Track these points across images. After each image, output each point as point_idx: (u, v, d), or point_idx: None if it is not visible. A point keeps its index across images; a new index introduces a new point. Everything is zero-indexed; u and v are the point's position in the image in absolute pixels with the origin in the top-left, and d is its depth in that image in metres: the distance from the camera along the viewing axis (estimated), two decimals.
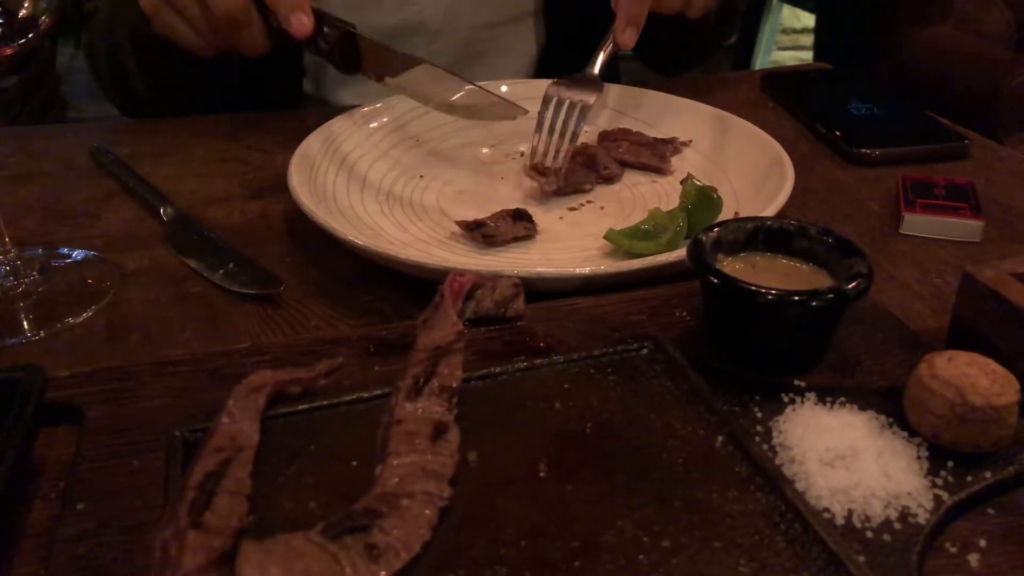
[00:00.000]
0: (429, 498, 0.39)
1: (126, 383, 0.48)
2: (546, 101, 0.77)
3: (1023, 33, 1.86)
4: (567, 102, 0.77)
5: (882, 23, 1.97)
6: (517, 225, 0.65)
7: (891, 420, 0.44)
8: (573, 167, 0.76)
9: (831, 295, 0.46)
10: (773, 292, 0.46)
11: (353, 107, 0.82)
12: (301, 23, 0.73)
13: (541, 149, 0.75)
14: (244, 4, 0.73)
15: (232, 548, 0.36)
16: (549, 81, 0.81)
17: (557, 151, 0.75)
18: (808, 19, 3.37)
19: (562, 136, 0.75)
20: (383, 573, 0.35)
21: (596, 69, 0.81)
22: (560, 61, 1.06)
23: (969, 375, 0.42)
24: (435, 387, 0.44)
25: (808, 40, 3.36)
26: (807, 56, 3.29)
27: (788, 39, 3.63)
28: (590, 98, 0.77)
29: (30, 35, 0.54)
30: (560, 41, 1.07)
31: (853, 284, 0.46)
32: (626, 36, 0.79)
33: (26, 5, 0.54)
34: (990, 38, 1.85)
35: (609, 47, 0.82)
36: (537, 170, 0.73)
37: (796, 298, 0.46)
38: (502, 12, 1.02)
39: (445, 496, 0.39)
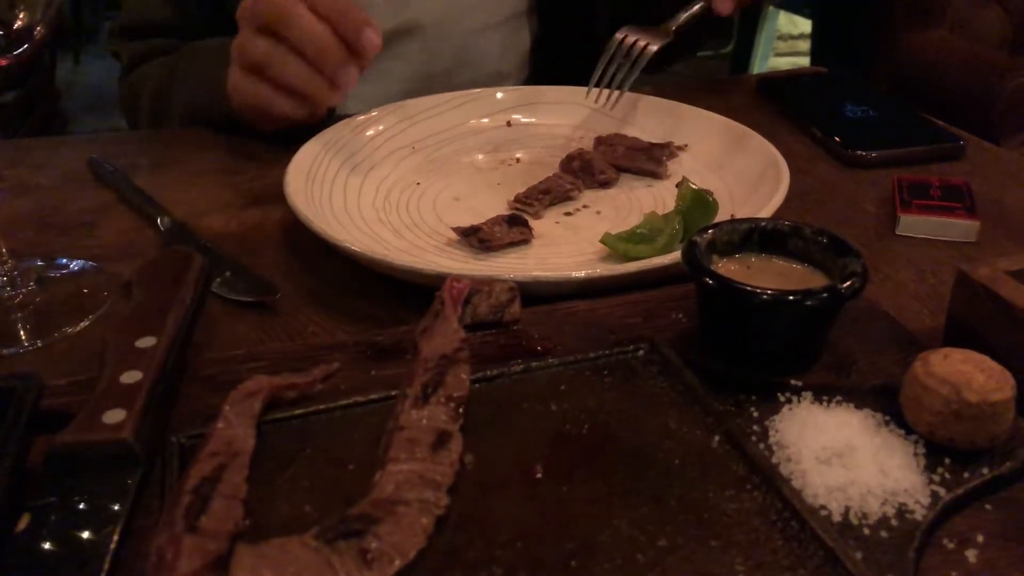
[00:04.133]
0: (425, 506, 0.39)
1: None
2: (610, 45, 0.82)
3: (1018, 37, 1.87)
4: (632, 43, 0.81)
5: (879, 28, 1.98)
6: (513, 230, 0.65)
7: (887, 418, 0.44)
8: (560, 173, 0.76)
9: (825, 294, 0.46)
10: (768, 292, 0.46)
11: (350, 115, 0.83)
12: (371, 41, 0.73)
13: (601, 85, 0.83)
14: (331, 38, 0.72)
15: (228, 552, 0.36)
16: (540, 87, 0.82)
17: (614, 90, 0.82)
18: (805, 25, 3.38)
19: (615, 79, 0.82)
20: None
21: (673, 22, 0.84)
22: (553, 56, 1.06)
23: (964, 372, 0.42)
24: (442, 397, 0.44)
25: (805, 46, 3.37)
26: (804, 62, 3.29)
27: (785, 45, 3.64)
28: (655, 44, 0.81)
29: (25, 45, 0.54)
30: (553, 36, 1.07)
31: (847, 283, 0.46)
32: (723, 2, 0.81)
33: (21, 16, 0.54)
34: (986, 42, 1.86)
35: (697, 5, 0.84)
36: (519, 200, 0.72)
37: (791, 298, 0.46)
38: (497, 13, 1.02)
39: (442, 505, 0.39)
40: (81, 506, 0.39)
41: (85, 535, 0.38)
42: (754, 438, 0.43)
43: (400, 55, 0.98)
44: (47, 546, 0.37)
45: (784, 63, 3.52)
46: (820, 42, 2.37)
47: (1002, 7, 1.88)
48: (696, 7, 0.83)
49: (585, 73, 0.89)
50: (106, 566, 0.36)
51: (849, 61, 2.05)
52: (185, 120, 0.92)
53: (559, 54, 1.06)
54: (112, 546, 0.37)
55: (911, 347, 0.49)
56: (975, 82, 1.71)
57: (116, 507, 0.39)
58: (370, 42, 0.73)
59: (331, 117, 0.83)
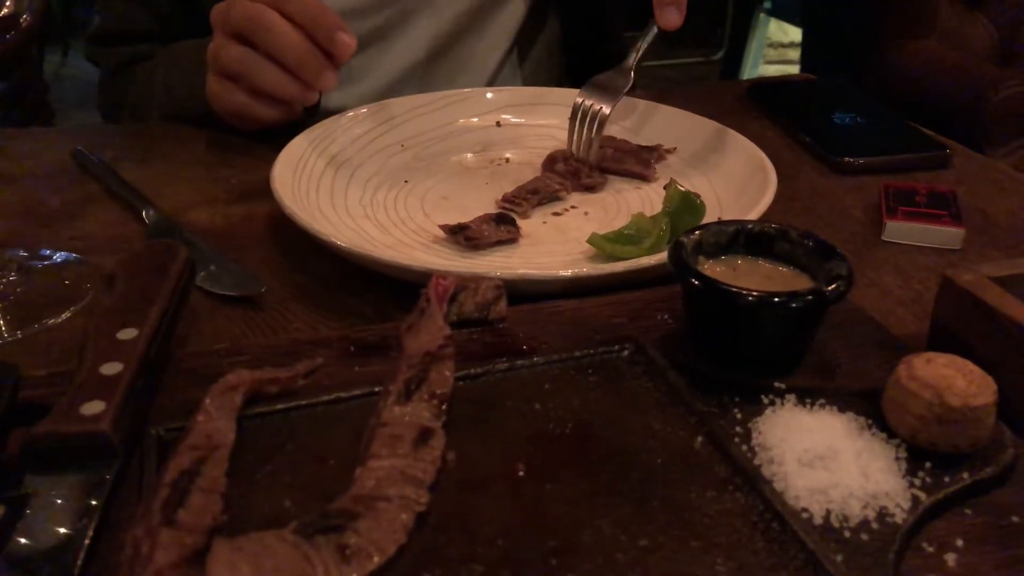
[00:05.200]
0: (406, 502, 0.39)
1: None
2: (574, 111, 0.79)
3: (1006, 49, 1.88)
4: (589, 109, 0.79)
5: (868, 37, 1.99)
6: (500, 229, 0.65)
7: (870, 421, 0.44)
8: (547, 173, 0.76)
9: (811, 297, 0.46)
10: (753, 294, 0.46)
11: (338, 112, 0.82)
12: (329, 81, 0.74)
13: (574, 149, 0.79)
14: (307, 45, 0.72)
15: (205, 546, 0.35)
16: (530, 88, 0.81)
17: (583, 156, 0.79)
18: (795, 33, 3.39)
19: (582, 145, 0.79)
20: (354, 575, 0.35)
21: (630, 61, 0.81)
22: (549, 32, 1.06)
23: (947, 376, 0.42)
24: (426, 393, 0.44)
25: (795, 54, 3.38)
26: (794, 70, 3.31)
27: (775, 53, 3.65)
28: (608, 105, 0.78)
29: (12, 33, 0.54)
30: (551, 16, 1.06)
31: (833, 286, 0.46)
32: (667, 15, 0.75)
33: (7, 4, 0.54)
34: (974, 53, 1.87)
35: (651, 33, 0.80)
36: (507, 199, 0.72)
37: (776, 300, 0.46)
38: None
39: (422, 502, 0.39)
40: (57, 499, 0.39)
41: (61, 528, 0.37)
42: (737, 440, 0.43)
43: (386, 48, 0.97)
44: (22, 538, 0.37)
45: (774, 71, 3.54)
46: (810, 50, 2.37)
47: (989, 19, 1.89)
48: (651, 34, 0.80)
49: (581, 58, 0.89)
50: (81, 559, 0.36)
51: (839, 70, 2.06)
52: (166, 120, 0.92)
53: (556, 32, 1.06)
54: (87, 540, 0.37)
55: (895, 351, 0.49)
56: (963, 92, 1.72)
57: (93, 500, 0.39)
58: (344, 46, 0.73)
59: (318, 113, 0.83)
